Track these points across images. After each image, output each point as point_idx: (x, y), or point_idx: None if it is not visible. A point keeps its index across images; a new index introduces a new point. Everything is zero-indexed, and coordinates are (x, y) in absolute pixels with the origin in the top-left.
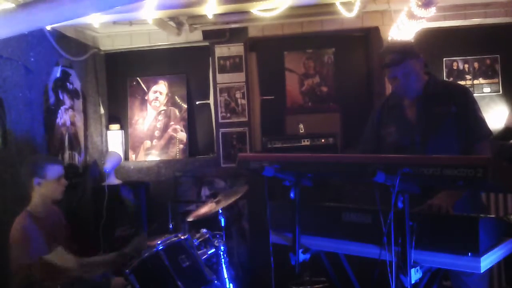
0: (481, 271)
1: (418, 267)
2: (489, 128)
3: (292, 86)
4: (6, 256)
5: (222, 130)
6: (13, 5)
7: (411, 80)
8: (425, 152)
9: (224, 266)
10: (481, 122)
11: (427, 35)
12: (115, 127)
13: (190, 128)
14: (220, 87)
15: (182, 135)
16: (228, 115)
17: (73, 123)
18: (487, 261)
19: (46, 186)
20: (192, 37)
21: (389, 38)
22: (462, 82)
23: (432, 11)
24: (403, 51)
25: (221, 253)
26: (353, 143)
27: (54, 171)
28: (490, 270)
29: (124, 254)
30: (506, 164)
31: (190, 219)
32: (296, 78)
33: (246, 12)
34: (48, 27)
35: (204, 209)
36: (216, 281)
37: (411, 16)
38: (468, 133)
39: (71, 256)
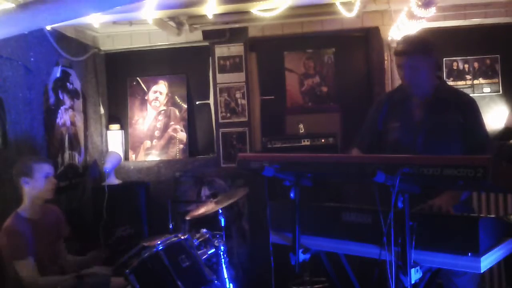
0: (481, 271)
1: (418, 267)
2: (491, 140)
3: (292, 86)
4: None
5: (222, 130)
6: (13, 5)
7: (419, 76)
8: (425, 153)
9: (224, 266)
10: (485, 134)
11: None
12: (115, 127)
13: (190, 128)
14: (220, 87)
15: (182, 135)
16: (228, 115)
17: (73, 123)
18: (487, 261)
19: (34, 185)
20: (192, 37)
21: (389, 38)
22: (462, 82)
23: (432, 11)
24: (415, 44)
25: (221, 253)
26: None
27: (41, 170)
28: (485, 271)
29: (81, 276)
30: (506, 164)
31: (188, 217)
32: (296, 78)
33: (246, 12)
34: (48, 27)
35: (204, 209)
36: (216, 281)
37: (411, 16)
38: (473, 144)
39: (35, 272)
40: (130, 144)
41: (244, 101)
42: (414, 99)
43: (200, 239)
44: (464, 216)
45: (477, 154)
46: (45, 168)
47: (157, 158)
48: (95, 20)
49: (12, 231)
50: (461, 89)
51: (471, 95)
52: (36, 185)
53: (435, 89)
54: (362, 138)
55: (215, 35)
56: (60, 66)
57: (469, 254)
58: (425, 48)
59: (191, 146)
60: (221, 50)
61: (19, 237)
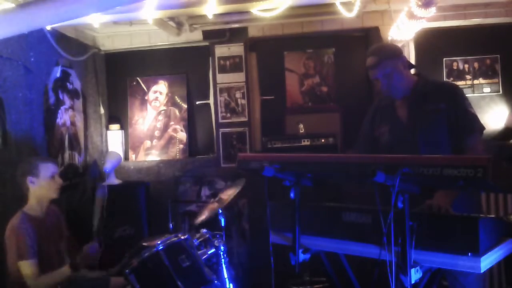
0: (481, 271)
1: (418, 267)
2: (481, 123)
3: (292, 86)
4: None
5: (222, 130)
6: (13, 5)
7: (394, 80)
8: (417, 149)
9: (224, 266)
10: (472, 117)
11: (427, 35)
12: (115, 127)
13: (190, 128)
14: (220, 87)
15: (182, 135)
16: (228, 115)
17: (73, 123)
18: (487, 261)
19: (40, 185)
20: (192, 37)
21: (389, 38)
22: (462, 82)
23: (432, 11)
24: (379, 53)
25: (221, 253)
26: (352, 143)
27: (47, 169)
28: (487, 271)
29: (76, 265)
30: (506, 164)
31: (198, 222)
32: (296, 78)
33: (246, 12)
34: (48, 27)
35: (208, 210)
36: (216, 281)
37: (411, 16)
38: (459, 127)
39: (37, 273)
40: (130, 144)
41: (244, 101)
42: (396, 101)
43: (200, 239)
44: (464, 216)
45: (466, 133)
46: (51, 168)
47: (157, 158)
48: (95, 20)
49: (19, 230)
50: (444, 80)
51: (471, 95)
52: (43, 184)
53: (413, 86)
54: (359, 147)
55: (215, 35)
56: (60, 66)
57: (469, 254)
58: (389, 52)
59: (191, 146)
60: (221, 50)
61: (25, 238)
